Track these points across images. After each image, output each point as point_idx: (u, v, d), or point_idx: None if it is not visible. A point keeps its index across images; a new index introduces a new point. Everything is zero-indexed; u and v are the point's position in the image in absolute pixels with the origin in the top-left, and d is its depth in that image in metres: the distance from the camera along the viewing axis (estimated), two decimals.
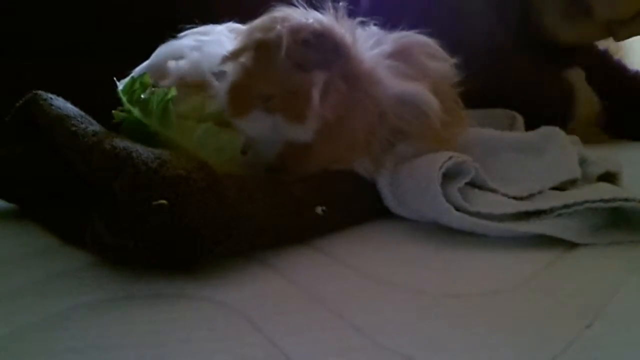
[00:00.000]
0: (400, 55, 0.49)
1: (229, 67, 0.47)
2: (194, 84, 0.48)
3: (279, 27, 0.43)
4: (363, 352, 0.28)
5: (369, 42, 0.48)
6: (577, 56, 0.88)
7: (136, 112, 0.42)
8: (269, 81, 0.44)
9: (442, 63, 0.52)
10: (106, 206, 0.36)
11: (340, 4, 0.47)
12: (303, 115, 0.42)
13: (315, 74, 0.43)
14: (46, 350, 0.29)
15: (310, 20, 0.44)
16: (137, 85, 0.43)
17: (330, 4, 0.46)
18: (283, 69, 0.43)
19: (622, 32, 0.79)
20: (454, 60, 0.53)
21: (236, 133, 0.44)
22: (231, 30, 0.54)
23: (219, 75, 0.48)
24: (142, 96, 0.43)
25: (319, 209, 0.43)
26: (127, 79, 0.44)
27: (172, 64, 0.50)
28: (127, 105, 0.43)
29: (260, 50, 0.45)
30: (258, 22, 0.46)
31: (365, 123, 0.45)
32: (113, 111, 0.44)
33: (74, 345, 0.29)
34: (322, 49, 0.43)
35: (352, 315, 0.32)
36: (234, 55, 0.46)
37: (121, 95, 0.43)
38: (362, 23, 0.50)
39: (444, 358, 0.28)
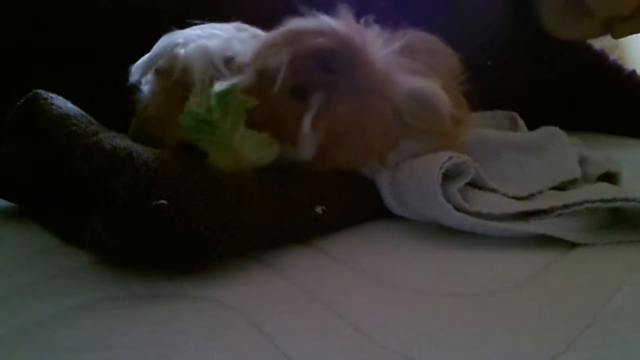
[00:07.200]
0: (406, 52, 0.48)
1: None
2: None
3: (284, 53, 0.42)
4: (363, 352, 0.29)
5: (378, 43, 0.47)
6: (572, 55, 0.88)
7: (216, 114, 0.41)
8: (262, 108, 0.42)
9: (448, 59, 0.52)
10: (106, 206, 0.36)
11: (346, 6, 0.46)
12: (295, 140, 0.43)
13: (313, 98, 0.42)
14: (46, 350, 0.29)
15: (322, 40, 0.43)
16: (230, 96, 0.41)
17: (338, 8, 0.46)
18: (277, 99, 0.42)
19: (622, 28, 0.79)
20: (458, 57, 0.52)
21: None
22: (239, 30, 0.53)
23: (229, 61, 0.47)
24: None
25: (319, 209, 0.43)
26: (226, 85, 0.42)
27: (179, 51, 0.49)
28: (212, 104, 0.40)
29: (260, 77, 0.44)
30: (270, 39, 0.45)
31: (381, 125, 0.45)
32: (187, 103, 0.41)
33: (74, 345, 0.29)
34: (333, 66, 0.43)
35: (352, 315, 0.32)
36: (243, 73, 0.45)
37: (214, 99, 0.41)
38: (366, 23, 0.49)
39: (444, 358, 0.28)
